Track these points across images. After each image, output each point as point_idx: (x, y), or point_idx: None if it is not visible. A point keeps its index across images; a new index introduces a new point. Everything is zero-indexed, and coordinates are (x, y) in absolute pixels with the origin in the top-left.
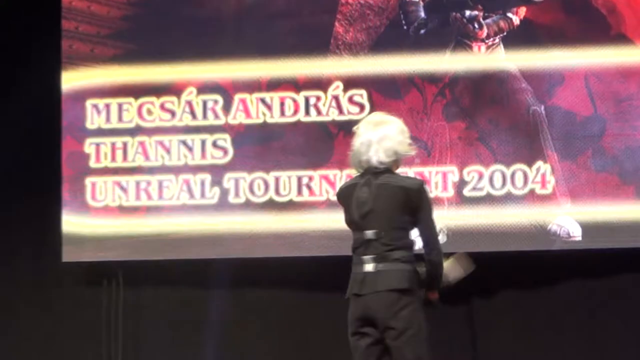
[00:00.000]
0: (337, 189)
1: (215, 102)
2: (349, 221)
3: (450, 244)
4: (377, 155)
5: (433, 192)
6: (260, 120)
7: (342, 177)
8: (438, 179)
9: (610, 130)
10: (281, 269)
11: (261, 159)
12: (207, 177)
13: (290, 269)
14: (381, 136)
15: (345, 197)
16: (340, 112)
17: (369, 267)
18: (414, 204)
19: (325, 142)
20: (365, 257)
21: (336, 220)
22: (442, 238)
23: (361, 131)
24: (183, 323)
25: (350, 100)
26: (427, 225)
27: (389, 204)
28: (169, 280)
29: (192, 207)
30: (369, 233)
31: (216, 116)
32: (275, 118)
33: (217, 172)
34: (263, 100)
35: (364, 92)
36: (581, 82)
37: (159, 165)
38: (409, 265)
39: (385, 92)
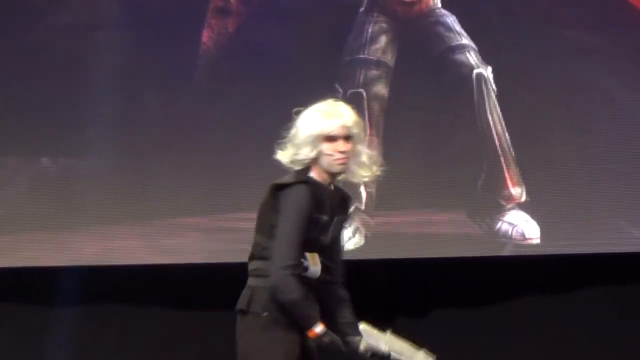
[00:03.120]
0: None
1: None
2: None
3: (370, 249)
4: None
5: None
6: None
7: None
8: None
9: None
10: (146, 280)
11: None
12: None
13: (158, 278)
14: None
15: None
16: None
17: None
18: (279, 205)
19: None
20: None
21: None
22: (358, 240)
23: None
24: (17, 347)
25: None
26: (278, 232)
27: (260, 205)
28: None
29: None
30: None
31: None
32: None
33: None
34: None
35: None
36: (543, 37)
37: None
38: (262, 281)
39: None
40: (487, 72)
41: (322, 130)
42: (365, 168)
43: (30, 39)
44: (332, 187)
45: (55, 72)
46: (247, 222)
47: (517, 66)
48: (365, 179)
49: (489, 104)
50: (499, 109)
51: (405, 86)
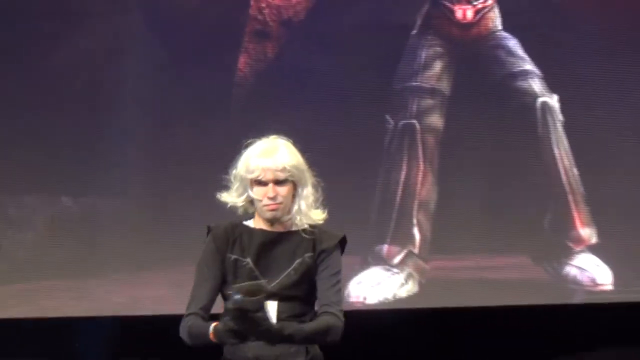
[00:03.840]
0: None
1: None
2: None
3: (425, 298)
4: None
5: (399, 220)
6: None
7: None
8: (407, 203)
9: None
10: (177, 332)
11: None
12: None
13: None
14: None
15: None
16: None
17: None
18: None
19: None
20: None
21: None
22: (411, 287)
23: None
24: None
25: None
26: None
27: None
28: (7, 350)
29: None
30: None
31: None
32: None
33: None
34: None
35: None
36: (615, 63)
37: None
38: None
39: None
40: (553, 100)
41: (247, 174)
42: (303, 216)
43: (49, 68)
44: (290, 229)
45: (77, 102)
46: None
47: (586, 94)
48: (306, 226)
49: (555, 136)
50: (566, 142)
51: (462, 116)
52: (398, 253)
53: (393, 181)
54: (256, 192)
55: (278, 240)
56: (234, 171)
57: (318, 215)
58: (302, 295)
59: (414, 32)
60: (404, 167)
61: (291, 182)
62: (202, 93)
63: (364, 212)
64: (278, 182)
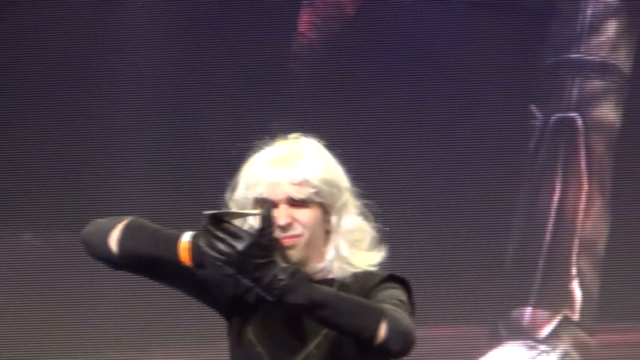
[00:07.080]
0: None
1: None
2: None
3: None
4: None
5: (550, 268)
6: None
7: None
8: (563, 242)
9: None
10: None
11: None
12: None
13: None
14: None
15: None
16: None
17: None
18: None
19: None
20: None
21: None
22: None
23: None
24: None
25: None
26: None
27: None
28: None
29: None
30: None
31: None
32: None
33: None
34: None
35: None
36: None
37: None
38: None
39: None
40: None
41: (248, 191)
42: (343, 261)
43: None
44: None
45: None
46: None
47: None
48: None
49: None
50: None
51: None
52: (548, 320)
53: (540, 207)
54: None
55: None
56: (231, 193)
57: (367, 259)
58: None
59: None
60: (558, 186)
61: (318, 205)
62: (233, 71)
63: (495, 255)
64: (295, 204)
